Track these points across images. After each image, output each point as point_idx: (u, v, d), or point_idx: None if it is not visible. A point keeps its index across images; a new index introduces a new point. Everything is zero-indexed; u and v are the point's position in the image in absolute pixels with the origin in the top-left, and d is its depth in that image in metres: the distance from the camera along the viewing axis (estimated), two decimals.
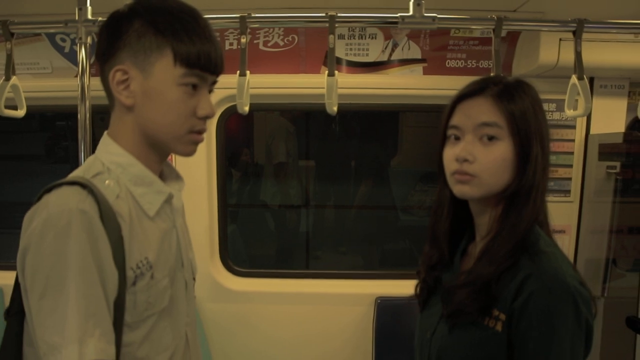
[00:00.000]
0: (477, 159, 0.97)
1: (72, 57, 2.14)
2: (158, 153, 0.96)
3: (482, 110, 0.97)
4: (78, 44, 1.40)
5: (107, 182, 0.87)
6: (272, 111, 4.03)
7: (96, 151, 0.94)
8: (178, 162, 2.21)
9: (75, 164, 1.50)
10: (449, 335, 1.00)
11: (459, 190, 0.99)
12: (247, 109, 1.39)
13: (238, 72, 1.34)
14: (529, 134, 0.95)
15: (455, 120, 1.01)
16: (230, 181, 4.02)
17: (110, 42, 0.88)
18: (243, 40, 1.33)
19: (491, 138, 0.96)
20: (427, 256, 1.13)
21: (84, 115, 1.43)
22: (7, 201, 4.13)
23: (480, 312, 0.94)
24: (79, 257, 0.77)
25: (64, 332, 0.75)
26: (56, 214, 0.79)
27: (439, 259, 1.10)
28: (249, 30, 2.00)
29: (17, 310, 0.85)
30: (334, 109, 1.34)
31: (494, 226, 0.99)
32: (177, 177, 1.06)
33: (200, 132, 0.94)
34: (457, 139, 1.00)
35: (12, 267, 0.81)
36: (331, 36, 1.31)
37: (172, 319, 0.96)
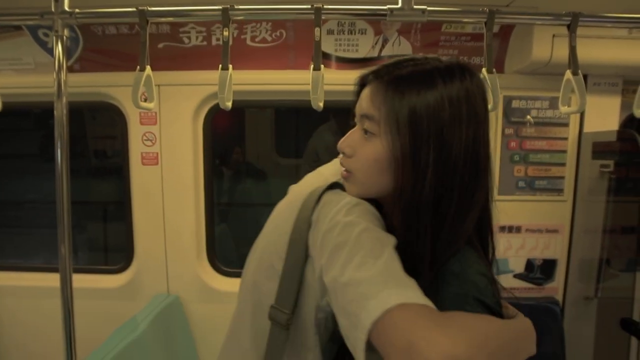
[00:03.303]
0: (355, 154, 0.88)
1: None
2: None
3: (366, 99, 0.86)
4: (54, 37, 1.34)
5: None
6: (265, 108, 3.97)
7: None
8: (164, 159, 2.17)
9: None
10: None
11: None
12: (229, 104, 1.33)
13: (220, 66, 1.29)
14: (415, 133, 0.79)
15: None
16: (232, 179, 3.97)
17: None
18: (225, 33, 1.28)
19: (369, 132, 0.85)
20: None
21: (60, 112, 1.37)
22: (1, 200, 4.08)
23: None
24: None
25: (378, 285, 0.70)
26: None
27: None
28: (235, 25, 1.98)
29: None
30: (319, 104, 1.30)
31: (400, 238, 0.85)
32: None
33: None
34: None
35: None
36: (317, 29, 1.26)
37: None
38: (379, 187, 0.87)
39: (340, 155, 0.92)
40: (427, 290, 0.74)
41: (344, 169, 0.90)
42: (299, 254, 0.85)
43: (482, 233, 0.89)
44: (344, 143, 0.90)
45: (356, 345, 0.69)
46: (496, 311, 0.80)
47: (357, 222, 0.79)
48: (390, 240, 0.79)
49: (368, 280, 0.70)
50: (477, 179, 0.82)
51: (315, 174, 1.04)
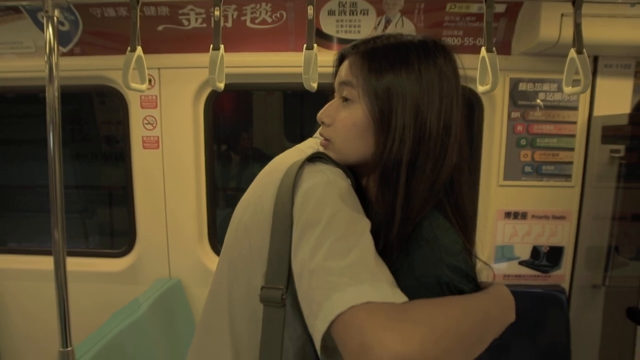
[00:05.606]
0: (334, 123, 0.90)
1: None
2: None
3: (345, 69, 0.89)
4: (45, 18, 1.32)
5: None
6: (273, 91, 3.93)
7: None
8: (165, 142, 2.15)
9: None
10: None
11: None
12: (222, 85, 1.31)
13: (211, 46, 1.26)
14: (392, 98, 0.82)
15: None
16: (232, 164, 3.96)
17: None
18: (217, 12, 1.25)
19: (346, 99, 0.88)
20: None
21: (52, 96, 1.35)
22: (12, 185, 4.12)
23: None
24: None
25: (348, 277, 0.68)
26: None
27: None
28: (235, 5, 1.94)
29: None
30: (312, 85, 1.27)
31: (374, 204, 0.88)
32: None
33: None
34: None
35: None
36: (310, 7, 1.22)
37: None
38: (358, 153, 0.88)
39: (320, 128, 0.94)
40: (399, 257, 0.79)
41: (323, 138, 0.93)
42: (285, 227, 0.81)
43: (453, 200, 0.88)
44: (323, 113, 0.92)
45: (314, 335, 0.67)
46: (472, 277, 0.81)
47: (331, 202, 0.78)
48: (365, 223, 0.78)
49: (339, 270, 0.68)
50: (450, 142, 0.84)
51: (293, 149, 1.03)
